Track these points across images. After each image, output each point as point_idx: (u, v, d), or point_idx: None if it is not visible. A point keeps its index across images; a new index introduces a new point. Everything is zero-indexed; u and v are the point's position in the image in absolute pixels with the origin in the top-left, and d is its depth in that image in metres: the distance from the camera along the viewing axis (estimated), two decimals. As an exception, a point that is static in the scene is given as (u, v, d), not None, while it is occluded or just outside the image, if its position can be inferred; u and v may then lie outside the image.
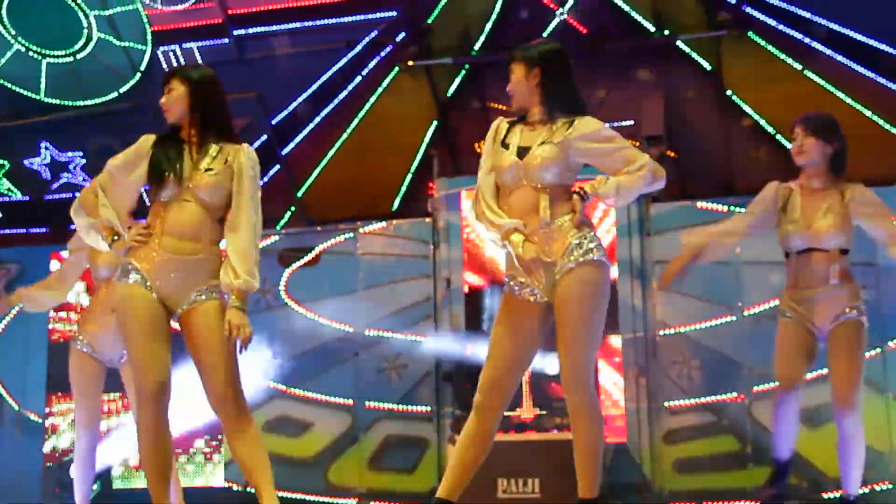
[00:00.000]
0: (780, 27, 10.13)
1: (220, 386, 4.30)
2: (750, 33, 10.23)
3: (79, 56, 11.16)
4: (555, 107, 4.31)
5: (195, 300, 4.31)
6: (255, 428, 4.40)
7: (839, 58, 9.89)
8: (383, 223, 9.49)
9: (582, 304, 4.12)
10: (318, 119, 11.21)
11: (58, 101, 11.24)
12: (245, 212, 4.37)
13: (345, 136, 11.14)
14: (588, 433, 4.20)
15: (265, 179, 11.07)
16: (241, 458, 4.40)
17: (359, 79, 11.16)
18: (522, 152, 4.25)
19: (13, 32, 11.04)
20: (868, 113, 9.69)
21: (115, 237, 4.37)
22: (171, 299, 4.32)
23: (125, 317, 4.33)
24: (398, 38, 11.07)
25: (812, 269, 5.13)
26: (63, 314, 9.73)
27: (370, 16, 11.04)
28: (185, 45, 11.28)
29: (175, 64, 11.15)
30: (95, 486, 8.62)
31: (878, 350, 7.94)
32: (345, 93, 11.16)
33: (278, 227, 10.57)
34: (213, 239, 4.37)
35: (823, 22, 9.96)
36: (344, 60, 11.13)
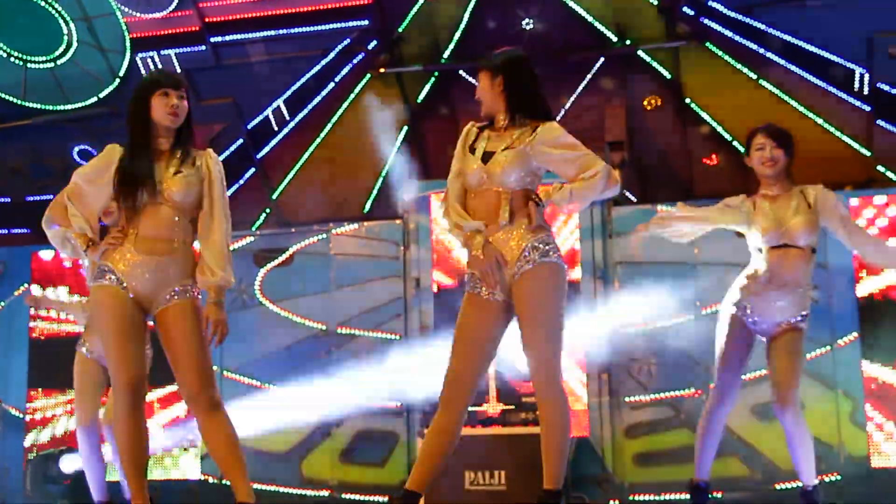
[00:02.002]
0: (737, 38, 10.21)
1: (195, 382, 4.31)
2: (707, 44, 10.31)
3: (59, 62, 11.11)
4: (519, 113, 4.34)
5: (169, 299, 4.32)
6: (229, 422, 4.39)
7: (792, 68, 9.98)
8: (355, 225, 9.49)
9: (543, 303, 4.17)
10: (292, 124, 11.21)
11: (39, 106, 11.18)
12: (217, 213, 4.41)
13: (318, 140, 11.15)
14: (556, 427, 4.22)
15: (241, 182, 11.08)
16: (215, 452, 4.41)
17: (332, 85, 11.15)
18: (487, 157, 4.29)
19: (-5, 39, 10.99)
20: (819, 120, 9.80)
21: (90, 243, 4.38)
22: (147, 299, 4.33)
23: (101, 316, 4.35)
24: (370, 47, 11.08)
25: (784, 265, 5.14)
26: (43, 312, 9.68)
27: (343, 25, 11.04)
28: (162, 52, 11.22)
29: (153, 69, 11.08)
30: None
31: (829, 348, 8.04)
32: (318, 99, 11.16)
33: (253, 229, 10.55)
34: (185, 239, 4.39)
35: (777, 34, 10.05)
36: (317, 67, 11.12)
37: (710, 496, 5.31)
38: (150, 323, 4.47)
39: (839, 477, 7.97)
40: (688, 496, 8.16)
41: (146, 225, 4.32)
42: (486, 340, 4.32)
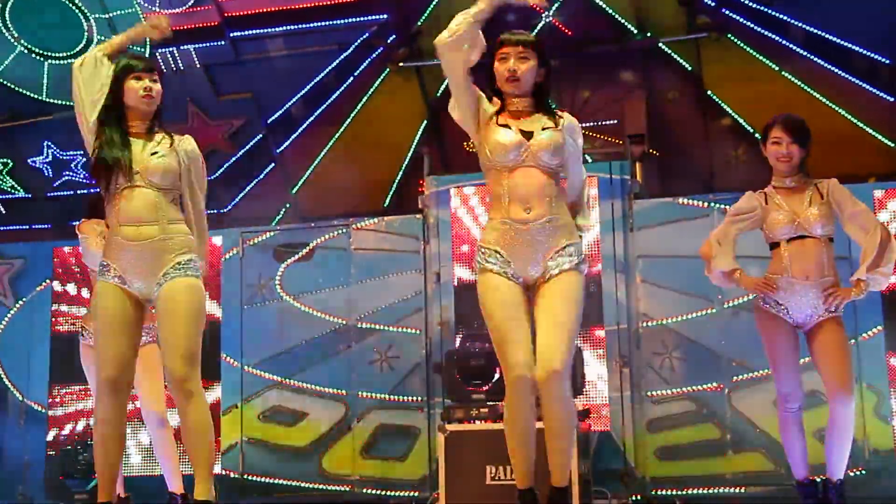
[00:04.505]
0: (758, 29, 10.14)
1: (174, 364, 4.25)
2: (729, 35, 10.25)
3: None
4: (539, 102, 4.32)
5: (163, 280, 4.30)
6: (202, 414, 4.31)
7: (815, 59, 9.91)
8: (375, 219, 9.46)
9: (570, 306, 4.13)
10: (311, 118, 11.19)
11: (59, 102, 11.21)
12: (202, 195, 4.51)
13: (337, 135, 11.14)
14: (570, 420, 4.20)
15: (260, 177, 11.11)
16: (184, 440, 4.36)
17: (351, 80, 11.14)
18: (527, 135, 4.23)
19: (16, 35, 11.01)
20: (842, 111, 9.72)
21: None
22: (145, 288, 4.33)
23: (96, 311, 4.39)
24: (389, 41, 11.05)
25: (806, 255, 5.13)
26: (65, 308, 9.72)
27: (362, 19, 11.02)
28: (182, 47, 11.23)
29: (172, 65, 11.11)
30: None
31: (853, 341, 7.95)
32: (337, 93, 11.14)
33: (273, 224, 10.55)
34: (171, 218, 4.36)
35: (799, 24, 9.97)
36: (336, 62, 11.11)
37: (816, 490, 5.29)
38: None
39: (864, 471, 7.91)
40: (710, 491, 8.19)
41: (128, 211, 4.32)
42: (526, 309, 4.20)
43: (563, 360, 4.07)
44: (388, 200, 10.87)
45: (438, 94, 10.99)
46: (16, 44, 11.03)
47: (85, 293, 9.54)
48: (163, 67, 4.76)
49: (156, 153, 4.36)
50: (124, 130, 4.41)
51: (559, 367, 4.05)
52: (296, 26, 11.11)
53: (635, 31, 10.61)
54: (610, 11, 10.58)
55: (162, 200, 4.33)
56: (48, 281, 9.83)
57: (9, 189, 11.36)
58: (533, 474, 4.27)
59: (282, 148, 11.25)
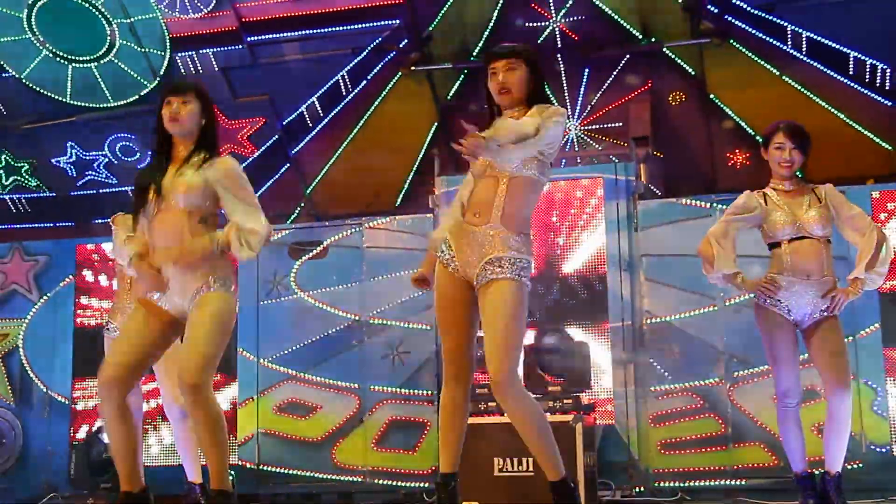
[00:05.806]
0: (760, 35, 10.16)
1: (185, 370, 4.22)
2: (731, 41, 10.26)
3: (102, 61, 11.20)
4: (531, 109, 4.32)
5: (195, 298, 4.30)
6: (208, 418, 4.28)
7: (815, 64, 9.93)
8: (387, 218, 9.51)
9: (505, 313, 4.11)
10: (325, 121, 11.24)
11: (82, 104, 11.28)
12: (249, 206, 4.36)
13: (351, 136, 11.19)
14: (531, 420, 4.16)
15: (276, 177, 11.15)
16: (197, 439, 4.44)
17: (364, 83, 11.18)
18: None
19: (41, 39, 11.09)
20: (842, 115, 9.74)
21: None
22: (181, 307, 4.35)
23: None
24: (401, 45, 11.09)
25: (806, 255, 5.18)
26: (89, 302, 9.79)
27: (374, 24, 11.05)
28: (201, 51, 11.28)
29: (192, 69, 11.18)
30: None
31: (850, 338, 7.99)
32: (351, 96, 11.19)
33: (288, 222, 10.60)
34: (197, 236, 4.31)
35: (800, 31, 9.99)
36: (350, 66, 11.15)
37: (814, 482, 5.39)
38: None
39: (861, 465, 7.94)
40: (712, 483, 8.21)
41: (157, 235, 4.33)
42: (464, 301, 4.28)
43: (503, 369, 4.07)
44: (399, 200, 10.91)
45: (449, 98, 11.05)
46: (41, 48, 11.11)
47: (108, 289, 9.63)
48: (201, 88, 4.65)
49: (183, 175, 4.31)
50: (166, 157, 4.41)
51: (500, 377, 4.07)
52: (311, 31, 11.15)
53: (640, 37, 10.64)
54: (615, 17, 10.61)
55: (188, 222, 4.29)
56: (71, 277, 9.90)
57: (34, 188, 11.47)
58: (457, 464, 4.29)
59: (297, 149, 11.31)
